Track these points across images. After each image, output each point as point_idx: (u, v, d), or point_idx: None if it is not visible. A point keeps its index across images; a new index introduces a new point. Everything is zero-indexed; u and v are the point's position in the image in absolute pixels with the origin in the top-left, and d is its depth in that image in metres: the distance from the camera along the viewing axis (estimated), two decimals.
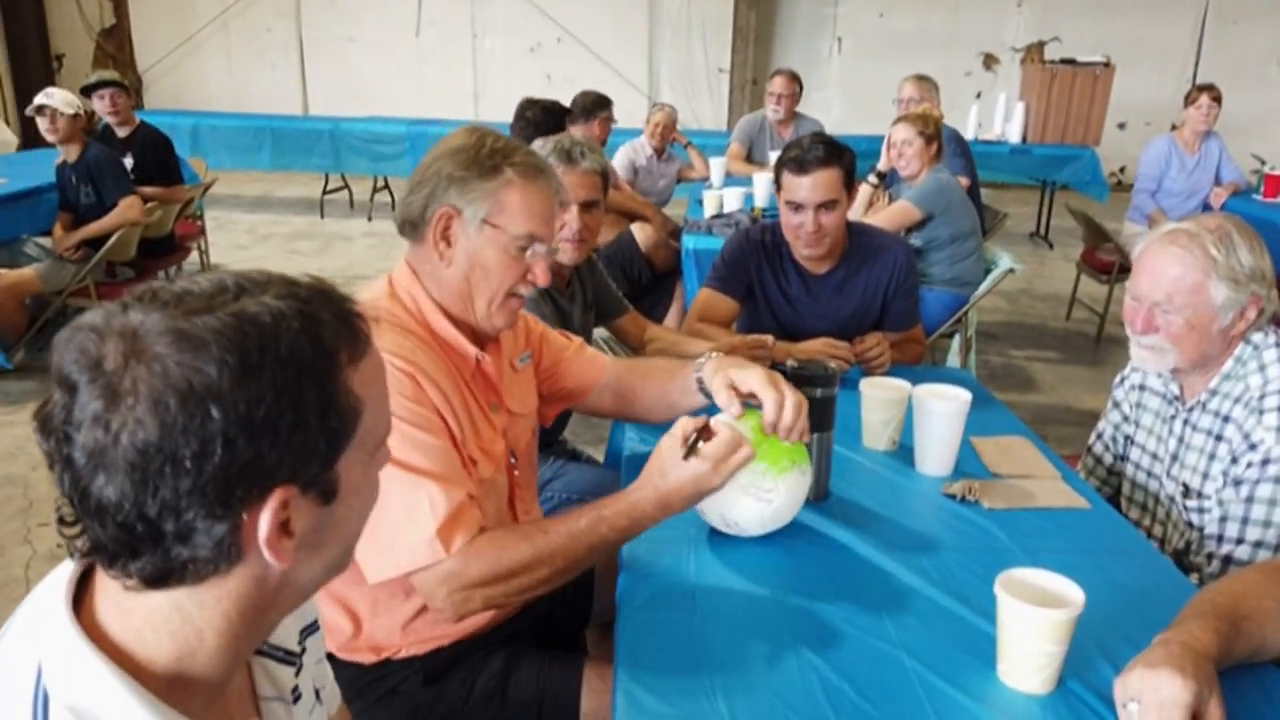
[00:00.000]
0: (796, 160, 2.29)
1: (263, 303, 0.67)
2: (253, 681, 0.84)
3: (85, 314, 0.67)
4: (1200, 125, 5.05)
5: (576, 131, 3.64)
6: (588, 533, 1.31)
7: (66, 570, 0.72)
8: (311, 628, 0.94)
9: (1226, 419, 1.63)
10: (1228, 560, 1.59)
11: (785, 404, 1.39)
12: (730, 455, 1.31)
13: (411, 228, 1.45)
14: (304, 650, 0.92)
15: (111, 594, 0.70)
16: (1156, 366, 1.70)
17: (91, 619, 0.70)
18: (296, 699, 0.88)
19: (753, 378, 1.42)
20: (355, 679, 1.44)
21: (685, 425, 1.35)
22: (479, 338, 1.48)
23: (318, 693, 0.94)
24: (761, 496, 1.41)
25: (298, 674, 0.90)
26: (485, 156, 1.40)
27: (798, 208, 2.29)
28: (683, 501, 1.33)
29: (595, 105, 4.54)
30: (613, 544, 1.34)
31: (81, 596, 0.71)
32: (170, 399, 0.62)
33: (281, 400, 0.65)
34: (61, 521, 0.68)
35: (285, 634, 0.89)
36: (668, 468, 1.31)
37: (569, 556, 1.31)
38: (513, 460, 1.54)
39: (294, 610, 0.80)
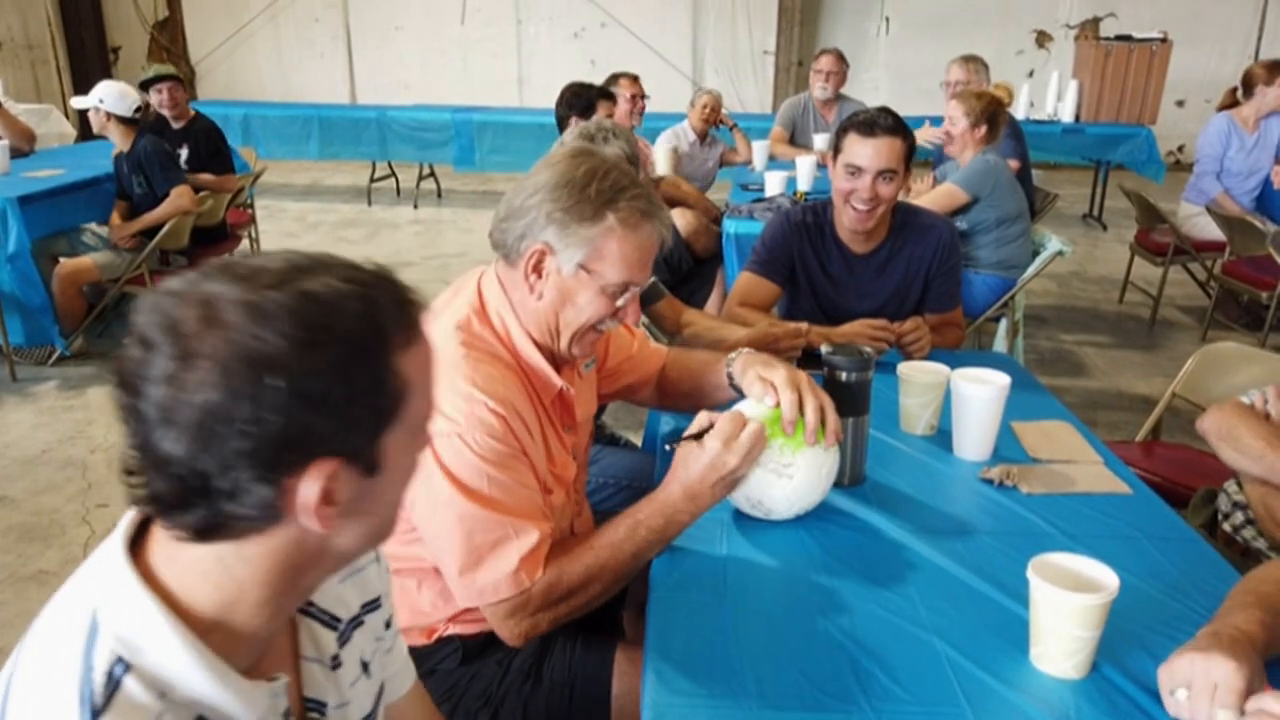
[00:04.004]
0: (866, 123, 2.25)
1: (327, 283, 0.71)
2: (296, 640, 0.88)
3: (169, 279, 0.72)
4: (1279, 105, 4.87)
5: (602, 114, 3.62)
6: (628, 539, 1.36)
7: (127, 519, 0.78)
8: (374, 604, 0.98)
9: None
10: None
11: (806, 405, 1.41)
12: (738, 432, 1.34)
13: (504, 252, 1.43)
14: (358, 622, 0.95)
15: (164, 543, 0.75)
16: None
17: (145, 564, 0.75)
18: (336, 666, 0.91)
19: (776, 376, 1.45)
20: None
21: (700, 419, 1.39)
22: (556, 358, 1.48)
23: (365, 666, 0.96)
24: (781, 471, 1.42)
25: (340, 642, 0.92)
26: (590, 198, 1.35)
27: (857, 171, 2.24)
28: (707, 488, 1.35)
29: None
30: (653, 544, 1.38)
31: (139, 543, 0.77)
32: (236, 365, 0.66)
33: (336, 375, 0.69)
34: (127, 471, 0.73)
35: (336, 600, 0.92)
36: (689, 460, 1.36)
37: (616, 568, 1.37)
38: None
39: (332, 573, 0.83)
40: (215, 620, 0.75)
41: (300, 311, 0.68)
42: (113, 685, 0.70)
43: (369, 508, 0.77)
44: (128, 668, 0.70)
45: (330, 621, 0.91)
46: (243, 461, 0.68)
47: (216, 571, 0.74)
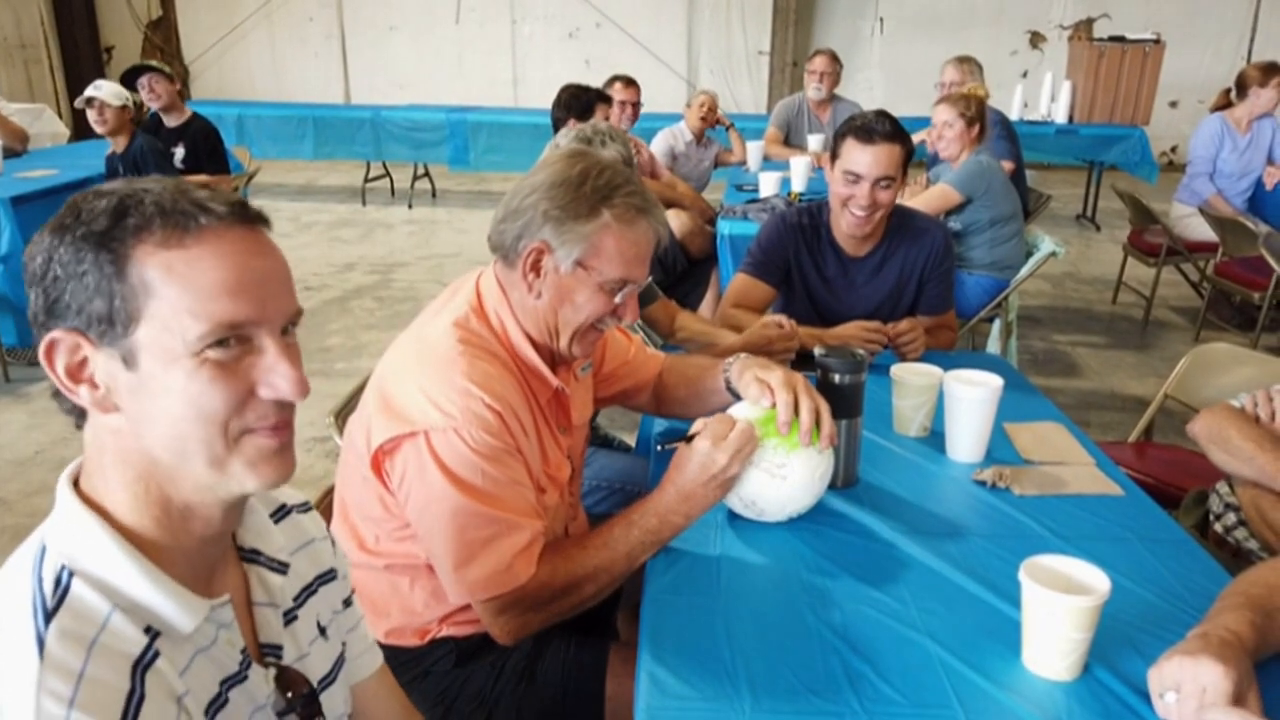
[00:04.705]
0: (864, 129, 2.24)
1: (117, 186, 0.80)
2: (248, 589, 0.93)
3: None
4: (1273, 107, 4.88)
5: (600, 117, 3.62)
6: (621, 540, 1.37)
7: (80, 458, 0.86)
8: (328, 575, 1.04)
9: None
10: None
11: (801, 406, 1.42)
12: (727, 431, 1.36)
13: (502, 254, 1.44)
14: (312, 590, 1.01)
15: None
16: None
17: (81, 489, 0.84)
18: (290, 620, 0.95)
19: (773, 377, 1.46)
20: (389, 659, 1.47)
21: (697, 425, 1.40)
22: (554, 359, 1.49)
23: (323, 629, 1.01)
24: (774, 472, 1.42)
25: (299, 602, 0.97)
26: (586, 195, 1.37)
27: (855, 179, 2.23)
28: (700, 488, 1.36)
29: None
30: (647, 546, 1.38)
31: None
32: (34, 237, 0.80)
33: (69, 255, 0.77)
34: None
35: (290, 561, 0.97)
36: (681, 462, 1.38)
37: (610, 569, 1.37)
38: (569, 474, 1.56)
39: (203, 494, 0.82)
40: (125, 524, 0.81)
41: (78, 201, 0.79)
42: (62, 590, 0.76)
43: (147, 410, 0.78)
44: (72, 573, 0.77)
45: (279, 568, 0.95)
46: (37, 318, 0.79)
47: (95, 458, 0.82)
